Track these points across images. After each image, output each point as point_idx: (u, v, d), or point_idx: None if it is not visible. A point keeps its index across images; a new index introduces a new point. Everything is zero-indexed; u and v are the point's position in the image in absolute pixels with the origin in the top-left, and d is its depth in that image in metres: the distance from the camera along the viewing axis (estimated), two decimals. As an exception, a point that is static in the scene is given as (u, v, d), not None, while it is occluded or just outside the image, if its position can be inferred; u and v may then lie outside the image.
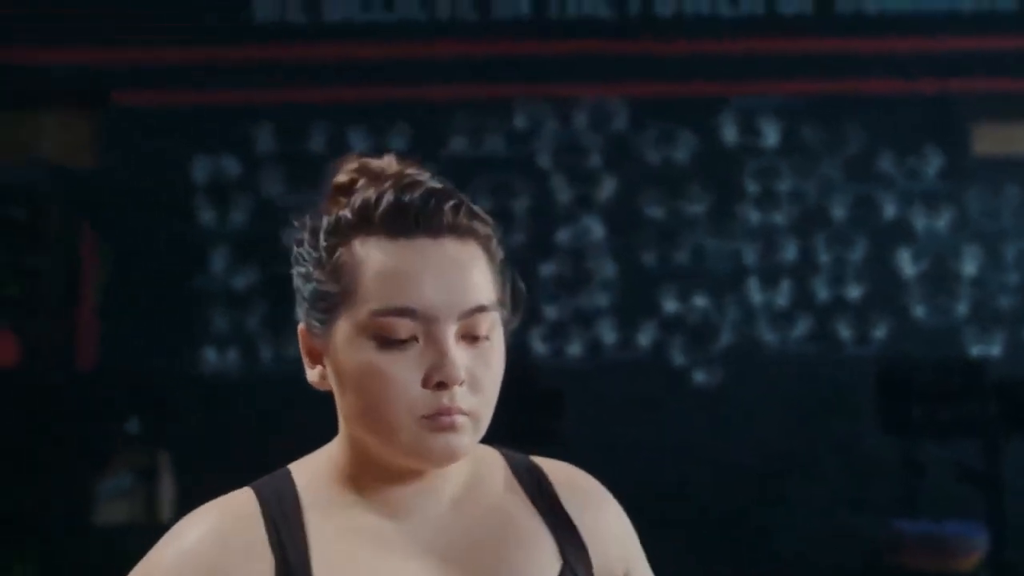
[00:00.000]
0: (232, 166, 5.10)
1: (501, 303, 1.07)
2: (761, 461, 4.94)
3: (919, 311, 5.12)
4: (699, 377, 5.09)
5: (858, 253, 5.15)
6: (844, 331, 5.11)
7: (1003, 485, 3.79)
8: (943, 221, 5.17)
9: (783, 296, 5.13)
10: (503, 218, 5.08)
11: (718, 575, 4.74)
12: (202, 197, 5.07)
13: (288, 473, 1.11)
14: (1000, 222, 5.17)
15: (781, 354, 5.10)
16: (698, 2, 5.21)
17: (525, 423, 4.25)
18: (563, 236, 5.10)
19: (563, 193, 5.13)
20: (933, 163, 5.18)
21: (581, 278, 5.10)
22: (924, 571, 4.16)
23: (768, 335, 5.12)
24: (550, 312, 5.09)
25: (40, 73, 5.05)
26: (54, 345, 4.58)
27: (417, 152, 4.91)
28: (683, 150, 5.16)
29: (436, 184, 1.05)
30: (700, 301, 5.12)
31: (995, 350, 5.09)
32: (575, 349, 5.08)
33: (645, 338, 5.10)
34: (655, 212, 5.15)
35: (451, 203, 1.03)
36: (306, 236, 1.08)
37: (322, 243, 1.06)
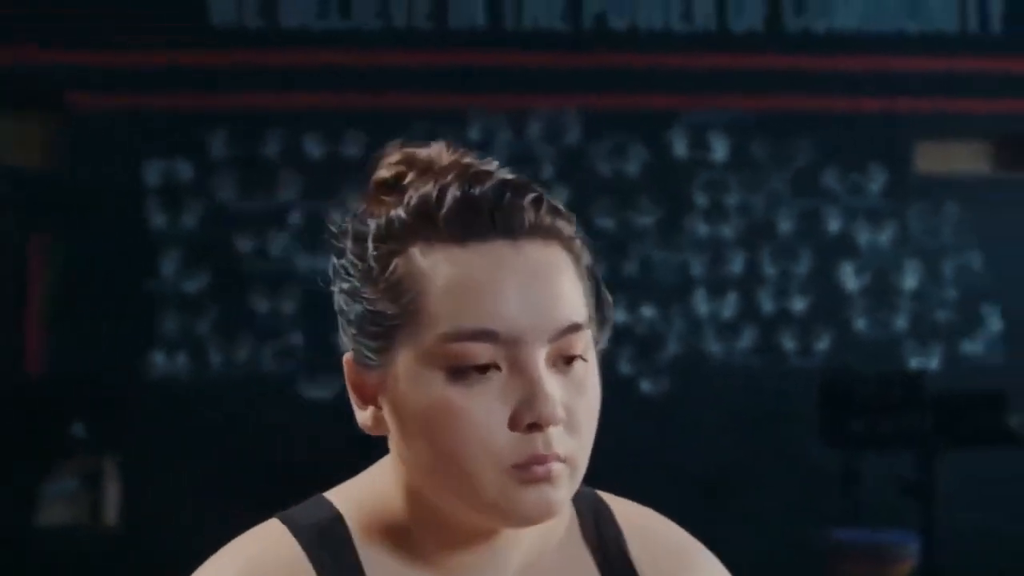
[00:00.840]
0: (185, 170, 5.04)
1: (592, 319, 0.88)
2: (705, 469, 4.96)
3: (860, 324, 5.18)
4: (646, 386, 5.11)
5: (803, 266, 5.20)
6: (788, 343, 5.16)
7: (936, 495, 3.85)
8: (885, 236, 5.24)
9: (729, 307, 5.17)
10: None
11: None
12: (154, 201, 5.01)
13: (336, 513, 0.87)
14: (940, 239, 5.25)
15: (726, 364, 5.13)
16: (651, 17, 5.23)
17: None
18: (515, 245, 5.11)
19: (515, 203, 5.14)
20: (877, 180, 5.25)
21: None
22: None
23: (714, 346, 5.15)
24: None
25: None
26: (1, 348, 4.50)
27: (371, 159, 4.89)
28: (634, 163, 5.18)
29: (508, 175, 0.86)
30: (648, 311, 5.14)
31: (933, 363, 5.17)
32: None
33: (594, 347, 5.13)
34: (606, 223, 5.15)
35: (531, 197, 0.84)
36: (349, 244, 0.86)
37: (371, 252, 0.83)
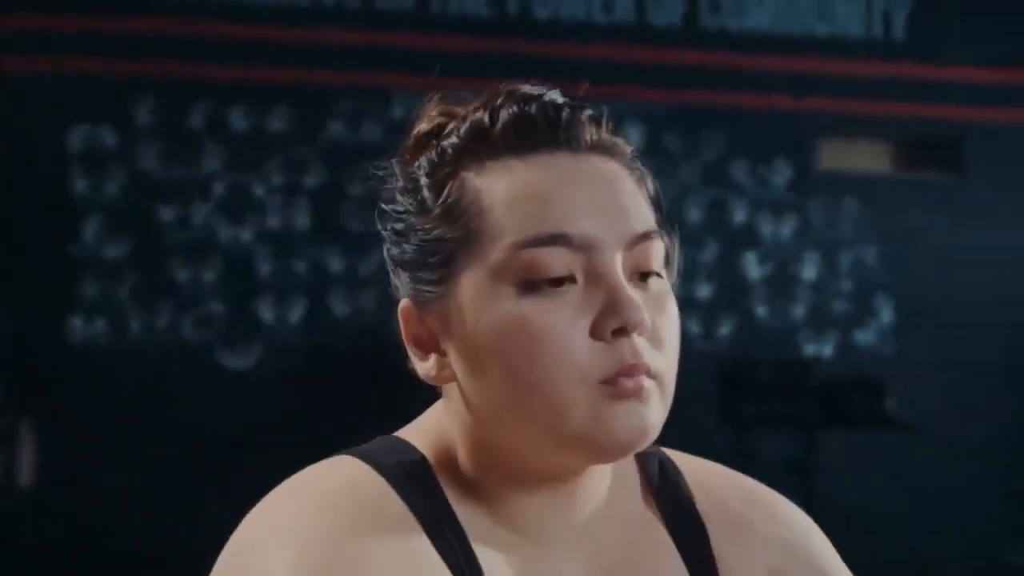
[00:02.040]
0: (109, 137, 4.99)
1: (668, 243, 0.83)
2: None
3: (761, 311, 5.35)
4: None
5: (709, 255, 5.33)
6: (693, 327, 5.29)
7: (817, 473, 4.03)
8: (787, 228, 5.40)
9: None
10: (376, 203, 5.13)
11: None
12: (77, 166, 4.96)
13: (419, 454, 0.78)
14: (838, 232, 5.43)
15: None
16: (574, 7, 5.31)
17: (395, 405, 4.32)
18: (434, 224, 5.15)
19: (436, 183, 5.18)
20: (781, 174, 5.40)
21: None
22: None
23: None
24: None
25: None
26: None
27: (295, 134, 4.93)
28: None
29: (560, 98, 0.81)
30: None
31: (827, 351, 5.37)
32: None
33: (507, 325, 5.20)
34: None
35: (589, 113, 0.80)
36: (398, 185, 0.82)
37: (424, 182, 0.79)
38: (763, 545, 0.86)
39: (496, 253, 0.74)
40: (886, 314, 5.42)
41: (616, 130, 0.83)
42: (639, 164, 0.84)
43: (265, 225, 5.04)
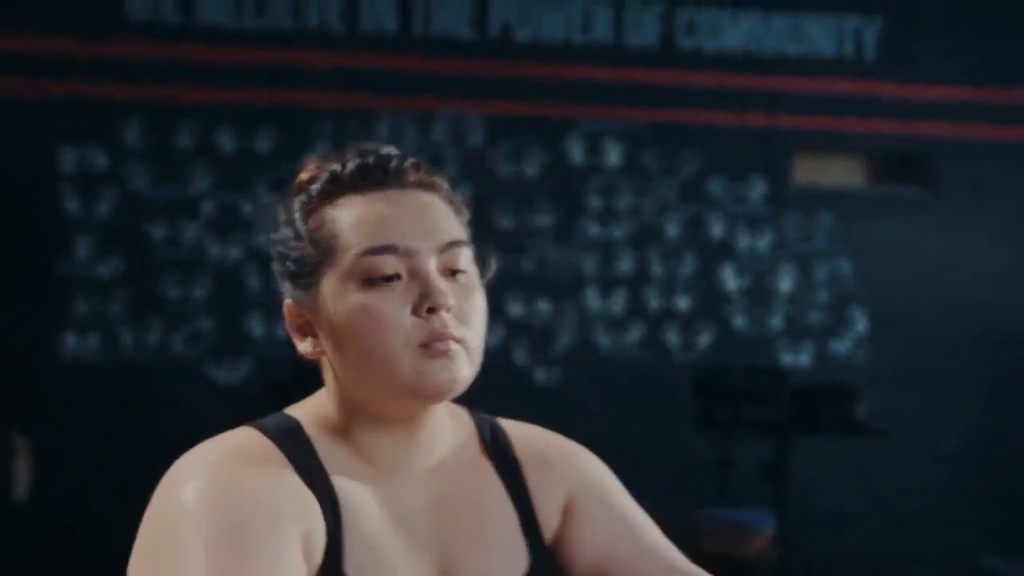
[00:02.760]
0: (99, 158, 5.05)
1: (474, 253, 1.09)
2: (594, 453, 5.15)
3: (739, 322, 5.44)
4: (540, 376, 5.28)
5: (687, 267, 5.42)
6: (672, 338, 5.39)
7: (791, 478, 4.11)
8: (763, 242, 5.49)
9: (618, 304, 5.37)
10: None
11: None
12: (68, 187, 5.01)
13: (295, 421, 1.05)
14: (813, 245, 5.53)
15: (615, 357, 5.33)
16: (553, 30, 5.39)
17: None
18: (418, 240, 5.21)
19: (420, 200, 5.25)
20: (757, 189, 5.50)
21: None
22: (726, 552, 4.48)
23: (604, 339, 5.34)
24: None
25: None
26: None
27: (282, 155, 5.05)
28: (533, 166, 5.34)
29: (394, 151, 1.08)
30: (543, 306, 5.31)
31: (804, 360, 5.47)
32: None
33: (491, 339, 5.25)
34: (505, 222, 5.32)
35: (412, 161, 1.06)
36: (281, 220, 1.08)
37: (297, 219, 1.05)
38: (562, 478, 1.17)
39: (346, 261, 1.02)
40: (861, 324, 5.52)
41: (433, 173, 1.10)
42: (454, 195, 1.12)
43: (253, 242, 5.12)
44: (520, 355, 5.26)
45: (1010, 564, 5.04)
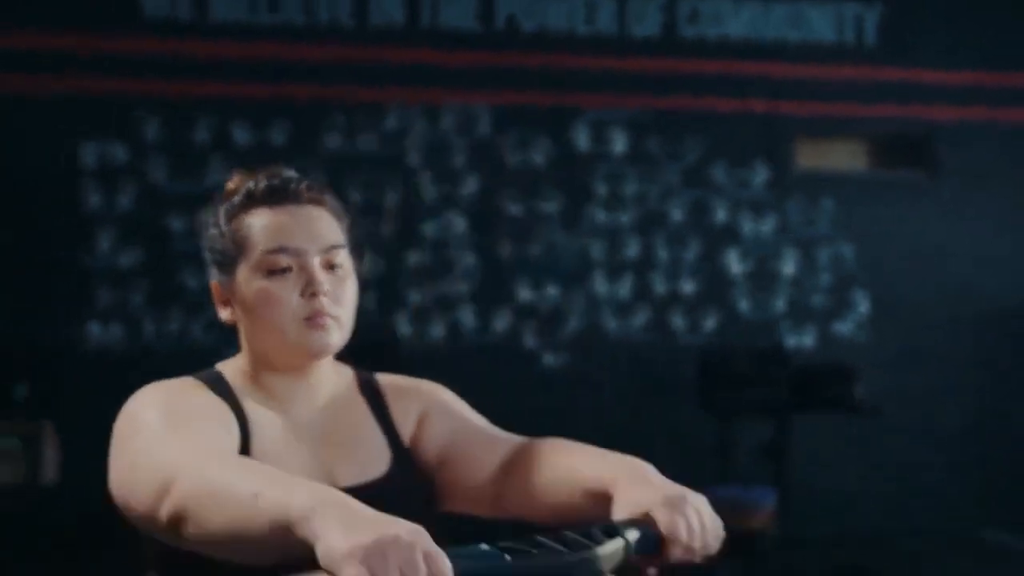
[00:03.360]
0: (119, 152, 5.18)
1: (353, 253, 1.44)
2: (600, 435, 5.25)
3: (743, 306, 5.56)
4: (548, 359, 5.40)
5: (692, 252, 5.54)
6: (678, 321, 5.51)
7: (790, 456, 4.23)
8: (767, 226, 5.60)
9: (625, 288, 5.48)
10: (373, 211, 5.29)
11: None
12: (90, 180, 5.15)
13: (218, 371, 1.45)
14: (816, 229, 5.63)
15: (622, 340, 5.46)
16: (558, 20, 5.50)
17: None
18: (428, 229, 5.34)
19: (429, 189, 5.37)
20: (760, 174, 5.60)
21: (444, 268, 5.35)
22: (730, 528, 4.61)
23: (611, 323, 5.47)
24: (415, 298, 5.34)
25: None
26: None
27: (295, 147, 5.19)
28: (540, 154, 5.46)
29: (294, 174, 1.44)
30: (551, 291, 5.44)
31: (807, 341, 5.58)
32: (437, 332, 5.33)
33: (501, 323, 5.39)
34: (513, 209, 5.43)
35: (306, 183, 1.43)
36: (210, 222, 1.44)
37: (222, 222, 1.42)
38: (416, 399, 1.52)
39: (254, 256, 1.39)
40: (863, 306, 5.63)
41: (324, 191, 1.44)
42: (338, 208, 1.45)
43: (269, 233, 5.24)
44: (529, 339, 5.39)
45: (1013, 537, 5.16)
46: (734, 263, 5.56)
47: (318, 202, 1.41)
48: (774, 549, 4.26)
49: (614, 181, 5.50)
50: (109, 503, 4.42)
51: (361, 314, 5.13)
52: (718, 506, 4.33)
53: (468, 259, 5.38)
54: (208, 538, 1.14)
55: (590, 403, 5.31)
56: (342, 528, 0.99)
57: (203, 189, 5.22)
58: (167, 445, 1.23)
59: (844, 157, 5.77)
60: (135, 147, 5.18)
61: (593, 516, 1.27)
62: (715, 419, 4.83)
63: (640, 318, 5.48)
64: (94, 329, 5.09)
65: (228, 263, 1.40)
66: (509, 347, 5.34)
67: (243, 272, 1.38)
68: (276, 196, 1.39)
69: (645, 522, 1.19)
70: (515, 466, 1.44)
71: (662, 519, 1.20)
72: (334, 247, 1.39)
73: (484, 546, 1.06)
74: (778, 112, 5.58)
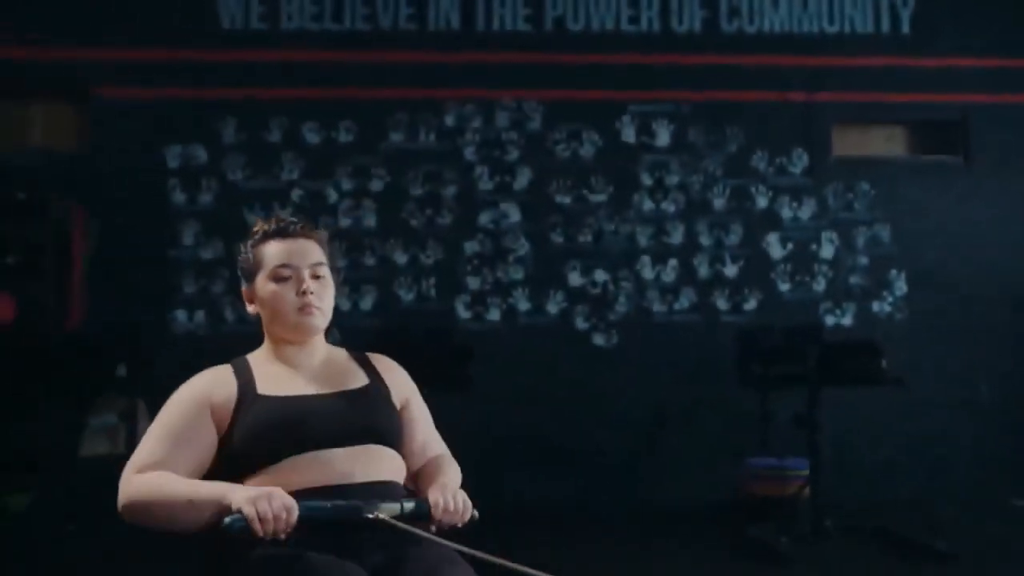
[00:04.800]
0: (200, 154, 5.57)
1: (332, 268, 2.08)
2: (648, 410, 5.49)
3: (784, 287, 5.77)
4: (598, 340, 5.67)
5: (734, 237, 5.76)
6: (721, 303, 5.74)
7: (822, 427, 4.43)
8: (806, 211, 5.80)
9: (670, 272, 5.73)
10: (433, 202, 5.62)
11: (610, 503, 5.25)
12: (174, 180, 5.55)
13: (246, 357, 2.09)
14: (853, 213, 5.82)
15: (667, 321, 5.70)
16: (604, 20, 5.76)
17: (452, 375, 4.73)
18: (484, 219, 5.64)
19: (485, 182, 5.67)
20: (799, 162, 5.80)
21: (499, 255, 5.65)
22: (768, 495, 4.84)
23: (657, 305, 5.71)
24: (473, 283, 5.64)
25: (37, 68, 5.46)
26: (49, 306, 4.94)
27: (360, 145, 5.54)
28: (588, 147, 5.72)
29: (295, 220, 2.11)
30: (600, 276, 5.70)
31: (847, 320, 5.78)
32: (494, 315, 5.63)
33: (553, 306, 5.66)
34: (563, 199, 5.71)
35: (301, 224, 2.10)
36: (240, 252, 2.11)
37: (248, 251, 2.10)
38: (400, 377, 2.12)
39: (266, 270, 2.05)
40: (899, 286, 5.80)
41: (314, 228, 2.10)
42: (322, 238, 2.09)
43: (337, 225, 5.60)
44: (580, 321, 5.66)
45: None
46: (774, 247, 5.77)
47: (308, 236, 2.08)
48: (807, 514, 4.49)
49: (659, 171, 5.74)
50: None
51: (423, 301, 5.50)
52: (760, 475, 4.64)
53: (522, 247, 5.67)
54: (156, 523, 1.87)
55: (637, 381, 5.56)
56: (244, 493, 1.79)
57: (277, 185, 5.61)
58: (153, 442, 1.95)
59: (880, 143, 5.94)
60: (214, 149, 5.58)
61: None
62: (757, 392, 5.03)
63: (684, 300, 5.72)
64: (180, 315, 5.49)
65: (252, 275, 2.06)
66: (561, 329, 5.62)
67: (261, 280, 2.04)
68: (281, 233, 2.07)
69: (422, 498, 1.90)
70: (422, 470, 2.08)
71: (431, 496, 1.90)
72: (318, 263, 2.05)
73: (319, 502, 1.81)
74: (815, 101, 5.77)
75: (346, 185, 5.64)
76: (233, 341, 5.57)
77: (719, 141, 5.77)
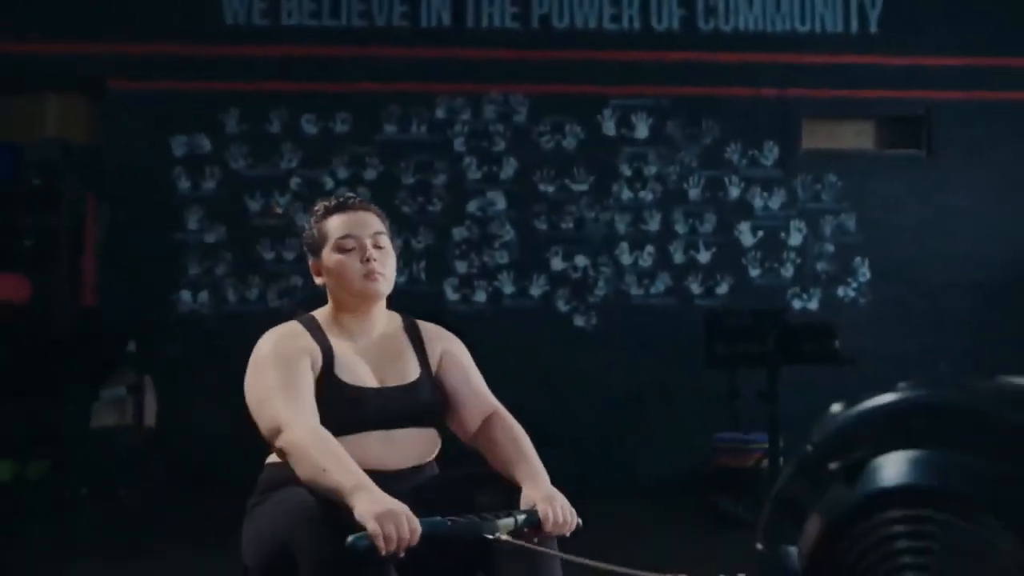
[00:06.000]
0: (204, 143, 5.83)
1: (390, 237, 2.20)
2: (626, 386, 5.78)
3: (753, 272, 6.03)
4: (579, 321, 5.94)
5: (708, 225, 6.02)
6: (695, 287, 6.01)
7: (779, 402, 4.71)
8: (776, 201, 6.05)
9: (647, 258, 5.98)
10: (424, 190, 5.88)
11: (589, 478, 5.49)
12: (180, 168, 5.81)
13: (313, 316, 2.19)
14: (820, 203, 6.07)
15: (644, 304, 5.97)
16: (587, 18, 5.99)
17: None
18: (472, 206, 5.90)
19: (473, 171, 5.93)
20: (770, 154, 6.05)
21: (486, 240, 5.91)
22: (732, 467, 5.13)
23: (634, 289, 5.97)
24: (460, 267, 5.91)
25: (50, 63, 5.70)
26: (63, 287, 5.20)
27: (356, 135, 5.85)
28: (571, 139, 5.97)
29: (353, 195, 2.25)
30: (581, 261, 5.96)
31: (813, 305, 6.04)
32: (480, 297, 5.90)
33: (536, 289, 5.94)
34: (547, 188, 5.96)
35: (360, 199, 2.23)
36: (307, 227, 2.23)
37: (314, 227, 2.20)
38: (441, 342, 2.24)
39: (331, 242, 2.18)
40: (863, 273, 6.07)
41: (372, 204, 2.23)
42: (380, 212, 2.23)
43: (334, 211, 5.83)
44: (561, 303, 5.93)
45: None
46: (746, 235, 6.02)
47: (366, 209, 2.20)
48: (765, 483, 4.78)
49: (637, 162, 5.98)
50: (197, 442, 5.16)
51: (413, 283, 5.81)
52: (725, 449, 4.95)
53: (507, 233, 5.93)
54: (297, 474, 1.93)
55: (616, 360, 5.83)
56: (368, 502, 1.80)
57: (277, 174, 5.86)
58: (281, 400, 1.99)
59: (848, 137, 6.17)
60: (218, 138, 5.82)
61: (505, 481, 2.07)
62: (724, 372, 5.30)
63: (660, 285, 5.98)
64: (185, 296, 5.77)
65: (317, 249, 2.18)
66: (543, 311, 5.88)
67: (326, 252, 2.15)
68: (342, 207, 2.18)
69: (532, 511, 1.92)
70: (483, 428, 2.17)
71: (540, 509, 1.93)
72: (379, 232, 2.16)
73: (439, 518, 1.83)
74: (787, 97, 6.00)
75: (342, 173, 5.90)
76: (235, 321, 5.85)
77: (695, 134, 6.02)
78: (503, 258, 5.93)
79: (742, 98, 6.02)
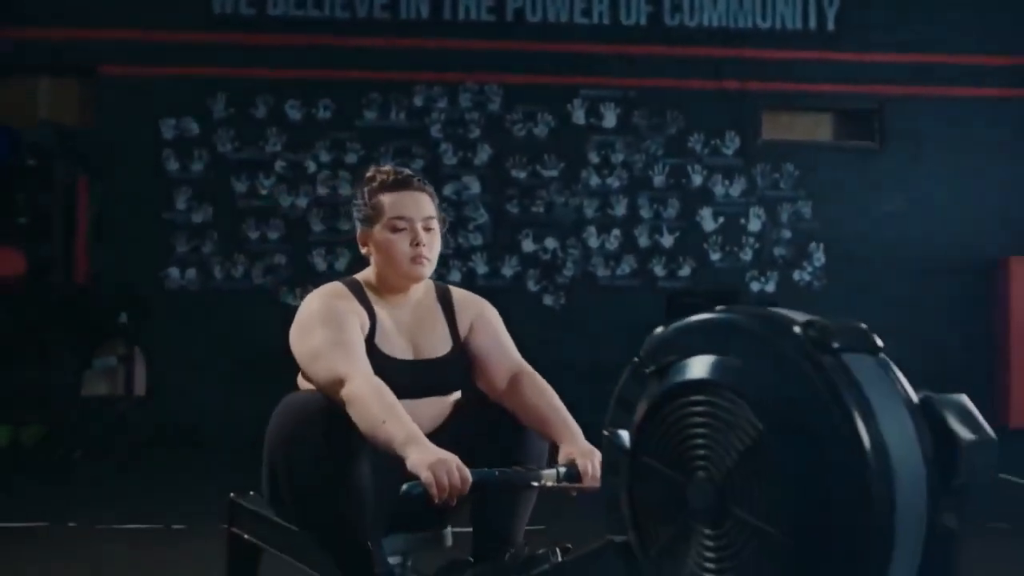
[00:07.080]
0: (193, 127, 6.02)
1: (441, 220, 2.15)
2: (591, 363, 5.89)
3: (714, 256, 6.29)
4: (548, 301, 6.18)
5: (671, 211, 6.27)
6: (658, 269, 6.26)
7: None
8: (736, 189, 6.31)
9: (613, 241, 6.23)
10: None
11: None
12: (169, 150, 6.01)
13: (356, 279, 2.17)
14: (778, 191, 6.33)
15: (610, 285, 6.21)
16: (559, 13, 6.22)
17: None
18: (448, 190, 6.12)
19: (449, 157, 6.15)
20: (731, 144, 6.30)
21: (461, 223, 6.12)
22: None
23: (601, 270, 6.22)
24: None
25: (44, 50, 5.88)
26: (56, 262, 5.38)
27: (338, 121, 6.11)
28: (542, 127, 6.20)
29: (410, 172, 2.18)
30: (551, 243, 6.20)
31: (770, 287, 6.31)
32: (455, 277, 6.11)
33: (508, 270, 6.17)
34: (519, 174, 6.19)
35: (417, 178, 2.17)
36: (358, 197, 2.16)
37: (367, 198, 2.14)
38: (471, 310, 2.23)
39: (384, 220, 2.14)
40: (819, 258, 6.33)
41: (427, 184, 2.18)
42: (433, 192, 2.19)
43: (316, 193, 6.07)
44: (532, 284, 6.17)
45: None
46: (707, 220, 6.27)
47: (422, 190, 2.15)
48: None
49: (605, 150, 6.21)
50: (184, 411, 5.36)
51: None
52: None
53: (481, 216, 6.15)
54: (356, 425, 1.93)
55: (583, 337, 6.06)
56: (420, 452, 1.81)
57: (262, 157, 6.06)
58: (338, 353, 1.99)
59: (805, 129, 6.42)
60: (206, 122, 6.01)
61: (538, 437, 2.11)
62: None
63: (625, 267, 6.22)
64: (173, 272, 5.97)
65: (369, 222, 2.12)
66: (515, 290, 6.11)
67: (378, 228, 2.10)
68: (399, 185, 2.13)
69: (572, 464, 1.98)
70: (513, 385, 2.16)
71: (580, 463, 1.97)
72: (430, 217, 2.12)
73: (487, 469, 1.89)
74: (748, 90, 6.25)
75: (324, 157, 6.11)
76: (220, 296, 6.03)
77: (660, 124, 6.25)
78: (477, 240, 6.15)
79: (705, 90, 6.25)
